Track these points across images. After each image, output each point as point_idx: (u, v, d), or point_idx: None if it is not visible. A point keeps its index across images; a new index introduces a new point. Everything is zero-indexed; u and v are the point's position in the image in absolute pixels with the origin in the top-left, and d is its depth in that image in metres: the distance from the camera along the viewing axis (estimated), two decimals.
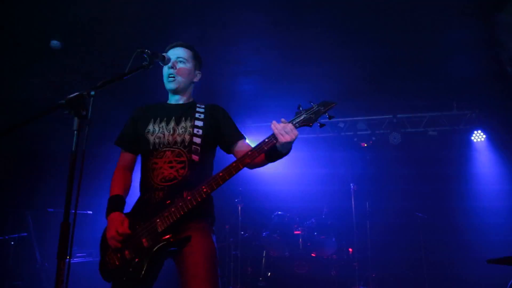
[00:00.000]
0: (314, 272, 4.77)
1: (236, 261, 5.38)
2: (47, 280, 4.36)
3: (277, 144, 1.97)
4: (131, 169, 2.40)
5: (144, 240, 2.03)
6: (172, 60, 2.31)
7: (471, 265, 5.05)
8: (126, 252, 2.06)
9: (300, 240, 5.13)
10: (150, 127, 2.29)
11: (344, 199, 5.60)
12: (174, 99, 2.40)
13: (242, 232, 5.56)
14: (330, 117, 2.02)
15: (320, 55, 5.10)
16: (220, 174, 2.00)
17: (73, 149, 1.59)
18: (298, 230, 5.18)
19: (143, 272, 2.00)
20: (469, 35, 4.45)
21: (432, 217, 5.62)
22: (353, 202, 5.40)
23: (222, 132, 2.33)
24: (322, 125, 2.01)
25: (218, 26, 4.43)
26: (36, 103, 5.40)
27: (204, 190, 1.99)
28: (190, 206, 1.99)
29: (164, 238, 2.01)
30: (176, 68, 2.31)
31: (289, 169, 6.78)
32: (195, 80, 2.43)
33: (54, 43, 4.19)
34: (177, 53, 2.35)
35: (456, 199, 6.08)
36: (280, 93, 6.30)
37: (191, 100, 2.45)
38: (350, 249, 5.35)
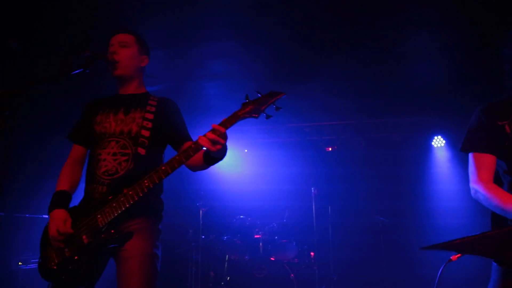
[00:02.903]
0: (273, 276, 4.74)
1: (197, 265, 5.29)
2: None
3: (211, 154, 1.95)
4: (81, 163, 2.30)
5: (84, 236, 1.95)
6: (113, 46, 2.24)
7: (431, 264, 5.11)
8: (66, 249, 1.96)
9: (261, 244, 5.10)
10: (98, 118, 2.20)
11: (305, 202, 5.60)
12: (123, 89, 2.31)
13: (203, 236, 5.47)
14: (277, 108, 1.94)
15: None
16: (163, 167, 1.92)
17: None
18: (259, 234, 5.15)
19: (82, 270, 1.92)
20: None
21: (393, 218, 5.70)
22: (313, 205, 5.42)
23: (173, 129, 2.25)
24: (269, 116, 1.93)
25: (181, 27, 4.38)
26: None
27: (146, 184, 1.91)
28: (131, 201, 1.91)
29: (103, 235, 1.93)
30: (119, 54, 2.22)
31: (252, 171, 6.80)
32: (142, 65, 2.35)
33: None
34: (118, 40, 2.27)
35: (416, 200, 6.21)
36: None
37: (142, 90, 2.35)
38: (312, 253, 5.34)
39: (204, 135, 1.87)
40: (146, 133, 2.14)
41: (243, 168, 6.96)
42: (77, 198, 2.19)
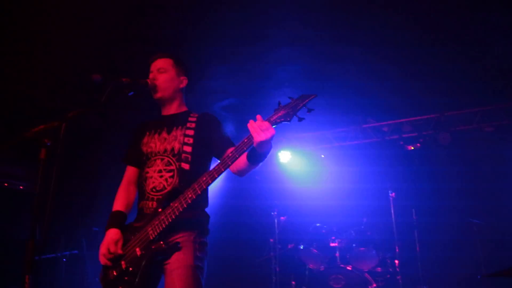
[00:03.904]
0: (352, 286, 4.52)
1: (276, 275, 5.35)
2: None
3: (254, 144, 1.94)
4: (135, 183, 2.48)
5: (137, 249, 2.12)
6: (152, 73, 2.42)
7: None
8: (122, 262, 2.16)
9: (337, 252, 4.92)
10: (145, 139, 2.40)
11: (385, 205, 5.23)
12: (165, 110, 2.49)
13: (280, 246, 5.51)
14: (309, 110, 1.95)
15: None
16: (204, 178, 2.02)
17: (38, 177, 1.74)
18: (335, 242, 4.98)
19: (136, 280, 2.08)
20: None
21: (488, 219, 5.03)
22: (393, 208, 5.06)
23: (213, 141, 2.33)
24: (301, 119, 1.94)
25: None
26: None
27: (189, 195, 2.02)
28: (177, 213, 2.04)
29: (154, 246, 2.09)
30: (157, 79, 2.39)
31: (329, 177, 6.61)
32: (181, 86, 2.49)
33: None
34: (156, 65, 2.45)
35: None
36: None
37: (183, 109, 2.50)
38: (397, 261, 4.97)
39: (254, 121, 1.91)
40: (188, 148, 2.27)
41: (320, 174, 6.83)
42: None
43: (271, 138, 1.90)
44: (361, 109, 6.74)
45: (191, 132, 2.31)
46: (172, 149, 2.28)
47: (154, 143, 2.35)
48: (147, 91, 2.39)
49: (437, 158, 6.17)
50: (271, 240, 5.76)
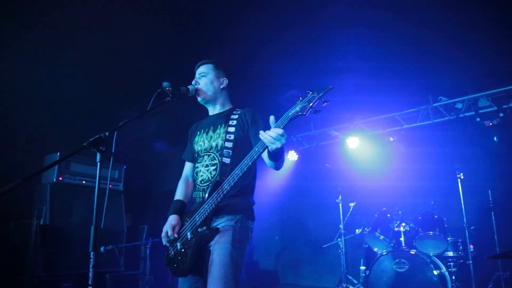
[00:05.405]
0: (416, 270, 4.41)
1: (346, 260, 5.44)
2: None
3: (269, 150, 2.16)
4: (192, 176, 2.81)
5: (188, 233, 2.46)
6: (195, 79, 2.73)
7: None
8: (178, 244, 2.53)
9: (402, 237, 4.82)
10: (197, 138, 2.75)
11: (455, 186, 4.92)
12: (211, 110, 2.79)
13: (347, 231, 5.58)
14: (325, 102, 2.07)
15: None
16: (236, 171, 2.27)
17: (97, 175, 2.17)
18: (400, 227, 4.87)
19: (188, 260, 2.41)
20: None
21: None
22: (461, 193, 4.76)
23: (251, 134, 2.55)
24: (317, 111, 2.05)
25: None
26: None
27: (225, 187, 2.30)
28: (216, 202, 2.32)
29: (199, 230, 2.40)
30: (199, 83, 2.69)
31: (399, 160, 6.41)
32: (222, 86, 2.72)
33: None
34: (198, 71, 2.75)
35: None
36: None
37: (227, 107, 2.76)
38: (471, 245, 4.70)
39: (265, 132, 2.12)
40: (229, 144, 2.54)
41: (389, 157, 6.66)
42: None
43: (282, 146, 2.10)
44: (431, 88, 6.41)
45: (232, 129, 2.57)
46: (216, 146, 2.57)
47: (203, 142, 2.67)
48: (192, 96, 2.68)
49: None
50: (340, 225, 5.85)
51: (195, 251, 2.41)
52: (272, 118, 2.14)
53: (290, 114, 2.09)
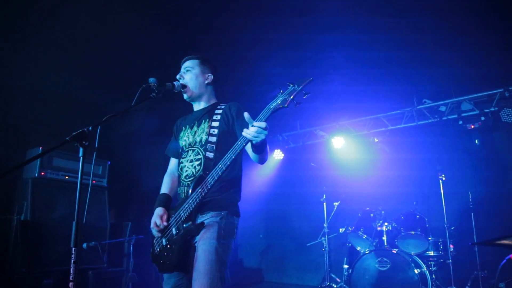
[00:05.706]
0: (397, 269, 4.48)
1: (329, 258, 5.50)
2: None
3: (253, 142, 2.18)
4: (176, 171, 2.80)
5: (173, 229, 2.45)
6: (180, 73, 2.70)
7: None
8: (163, 240, 2.50)
9: (385, 236, 4.90)
10: (182, 133, 2.74)
11: (437, 189, 5.03)
12: (196, 106, 2.77)
13: (331, 230, 5.64)
14: (305, 94, 2.09)
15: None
16: (220, 165, 2.27)
17: (79, 171, 2.14)
18: (382, 226, 4.95)
19: (174, 256, 2.40)
20: None
21: None
22: (443, 192, 4.86)
23: (235, 128, 2.54)
24: (298, 103, 2.07)
25: None
26: None
27: (209, 181, 2.30)
28: (200, 197, 2.32)
29: (185, 226, 2.38)
30: (184, 77, 2.67)
31: (383, 160, 6.50)
32: (207, 82, 2.70)
33: None
34: (184, 66, 2.73)
35: None
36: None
37: (212, 102, 2.74)
38: (451, 245, 4.81)
39: (247, 129, 2.14)
40: (213, 139, 2.54)
41: (373, 158, 6.74)
42: None
43: (265, 138, 2.13)
44: (416, 91, 6.53)
45: (216, 124, 2.56)
46: (201, 141, 2.56)
47: (187, 137, 2.66)
48: (178, 93, 2.67)
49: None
50: (324, 224, 5.91)
51: (181, 247, 2.40)
52: (246, 114, 2.15)
53: (271, 106, 2.11)
